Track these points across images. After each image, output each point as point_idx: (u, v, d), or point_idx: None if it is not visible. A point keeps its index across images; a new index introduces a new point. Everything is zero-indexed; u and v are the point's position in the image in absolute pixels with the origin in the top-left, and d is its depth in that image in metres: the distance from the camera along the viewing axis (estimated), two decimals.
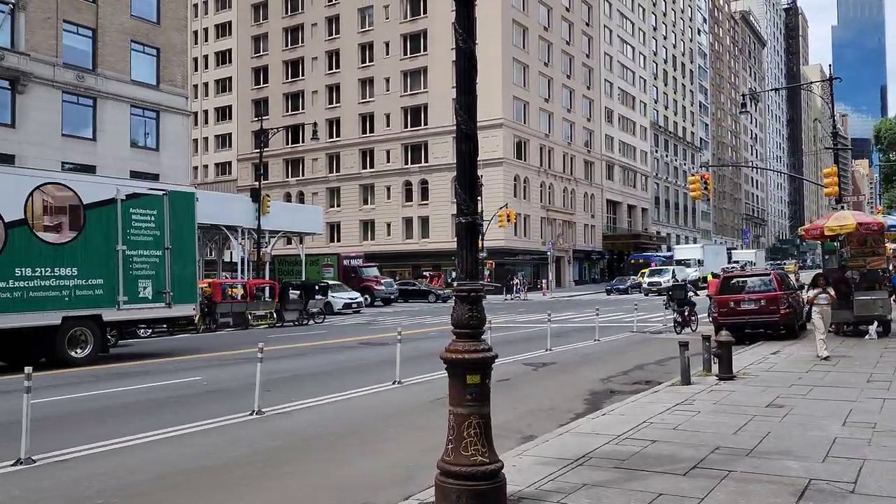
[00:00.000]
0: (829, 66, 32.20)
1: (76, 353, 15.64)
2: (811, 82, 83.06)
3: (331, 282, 37.55)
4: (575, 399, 10.67)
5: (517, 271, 60.54)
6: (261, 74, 72.95)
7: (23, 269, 14.67)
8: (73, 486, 6.35)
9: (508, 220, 49.56)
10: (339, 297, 36.59)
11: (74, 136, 32.93)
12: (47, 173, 16.62)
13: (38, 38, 31.55)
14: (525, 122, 62.31)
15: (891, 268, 23.75)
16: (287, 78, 70.81)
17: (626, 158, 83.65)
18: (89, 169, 32.22)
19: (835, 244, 18.97)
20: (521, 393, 11.32)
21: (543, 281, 58.93)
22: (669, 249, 78.71)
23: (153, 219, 17.04)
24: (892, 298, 19.09)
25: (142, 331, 23.18)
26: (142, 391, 11.85)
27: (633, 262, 67.13)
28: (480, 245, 48.76)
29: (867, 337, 16.62)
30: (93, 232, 15.81)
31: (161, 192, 17.44)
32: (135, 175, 33.68)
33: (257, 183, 37.33)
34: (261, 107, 70.51)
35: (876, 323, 16.88)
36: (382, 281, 46.66)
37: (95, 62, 33.77)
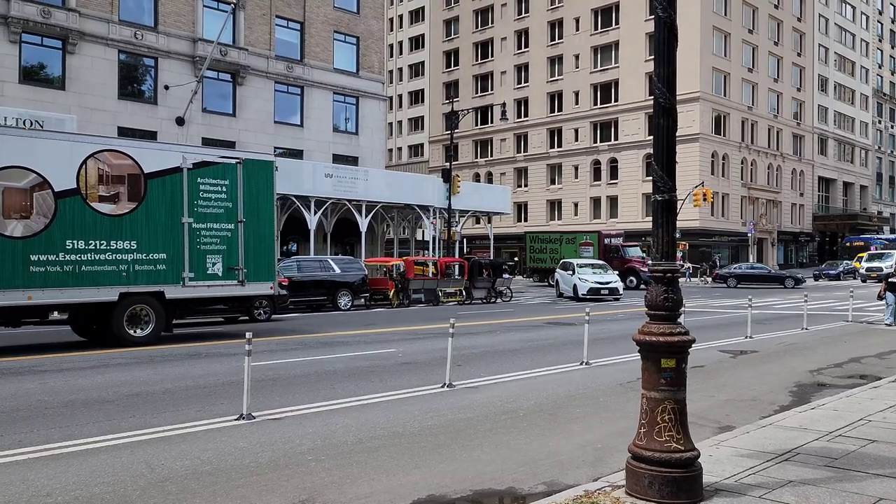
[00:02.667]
0: None
1: (136, 332, 14.84)
2: None
3: (579, 261, 34.02)
4: (778, 391, 9.94)
5: (713, 253, 57.29)
6: (451, 57, 74.79)
7: (75, 242, 13.80)
8: (287, 442, 7.02)
9: (704, 200, 46.90)
10: (586, 280, 30.63)
11: (285, 123, 35.96)
12: (104, 139, 15.56)
13: (255, 34, 34.72)
14: (725, 95, 58.45)
15: None
16: (477, 60, 71.99)
17: (842, 131, 75.65)
18: (296, 154, 35.15)
19: None
20: (718, 381, 10.75)
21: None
22: (893, 231, 70.30)
23: (225, 189, 15.79)
24: None
25: (342, 302, 24.91)
26: (343, 360, 12.77)
27: (847, 245, 60.94)
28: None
29: None
30: (155, 203, 14.81)
31: (234, 161, 16.09)
32: (337, 158, 36.24)
33: (448, 164, 38.45)
34: (451, 89, 72.39)
35: None
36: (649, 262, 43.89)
37: (303, 53, 36.55)
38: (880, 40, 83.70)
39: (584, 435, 7.46)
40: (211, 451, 6.64)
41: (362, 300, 26.98)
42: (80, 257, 13.87)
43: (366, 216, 33.11)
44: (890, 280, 18.51)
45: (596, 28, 62.18)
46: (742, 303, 25.04)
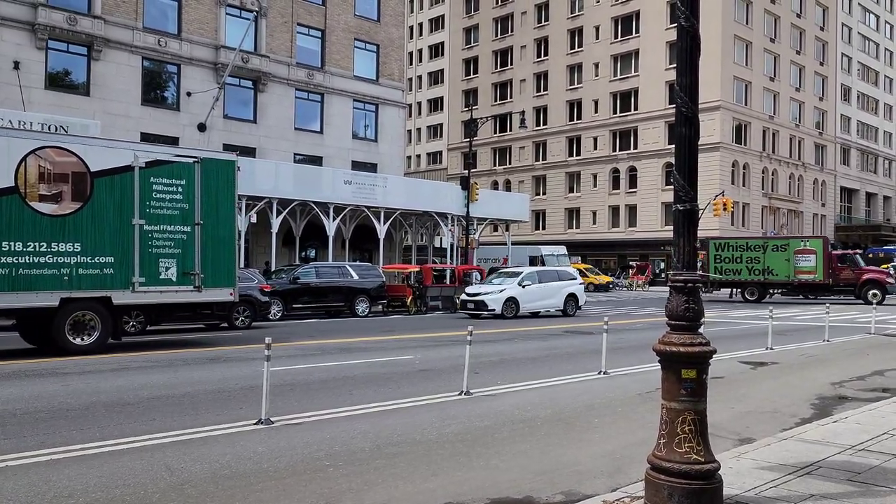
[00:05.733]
0: None
1: (80, 339, 13.96)
2: None
3: (522, 269, 31.37)
4: (800, 403, 9.82)
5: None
6: (471, 65, 74.98)
7: (11, 244, 12.99)
8: (305, 447, 7.05)
9: (725, 209, 46.52)
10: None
11: (305, 130, 36.24)
12: (47, 136, 14.81)
13: (277, 41, 35.06)
14: (746, 104, 58.06)
15: None
16: (496, 67, 72.11)
17: (865, 141, 74.84)
18: (316, 160, 35.39)
19: None
20: (738, 392, 10.64)
21: None
22: None
23: (181, 190, 14.91)
24: None
25: (360, 308, 25.01)
26: (361, 366, 12.81)
27: (870, 256, 60.12)
28: None
29: None
30: (102, 203, 13.94)
31: (191, 160, 15.18)
32: (356, 165, 36.44)
33: (466, 171, 38.52)
34: (470, 97, 72.56)
35: None
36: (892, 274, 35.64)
37: (323, 60, 36.84)
38: None
39: (603, 445, 7.42)
40: (230, 456, 6.69)
41: (380, 307, 27.06)
42: (16, 260, 13.06)
43: (384, 223, 33.23)
44: None
45: (616, 36, 62.07)
46: (763, 314, 24.82)
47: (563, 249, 45.23)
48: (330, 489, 5.78)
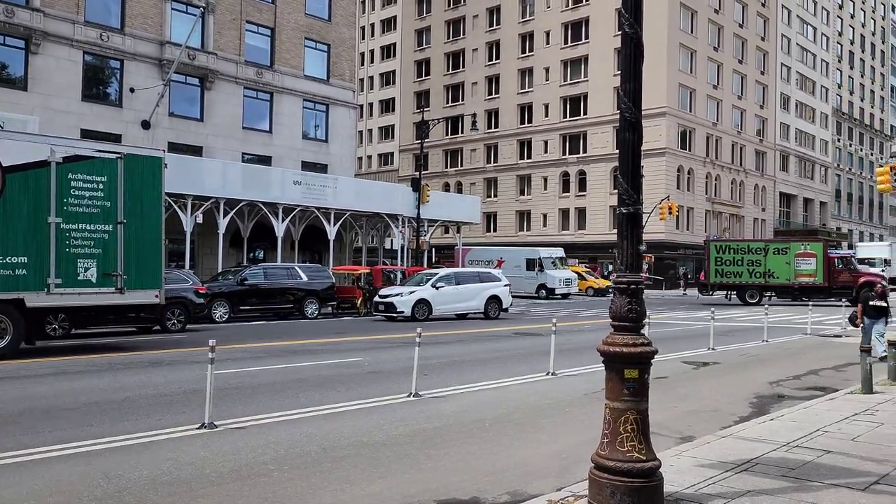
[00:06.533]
0: None
1: None
2: None
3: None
4: (739, 402, 10.11)
5: (678, 266, 58.13)
6: (423, 67, 75.00)
7: None
8: (250, 451, 6.94)
9: (670, 213, 47.63)
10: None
11: (253, 129, 35.67)
12: None
13: (225, 39, 34.44)
14: (691, 111, 59.50)
15: None
16: (448, 70, 72.30)
17: (803, 148, 77.50)
18: (265, 160, 34.89)
19: None
20: (681, 392, 10.90)
21: (702, 277, 56.01)
22: (851, 247, 72.07)
23: (102, 187, 14.18)
24: None
25: (309, 310, 24.77)
26: (310, 369, 12.67)
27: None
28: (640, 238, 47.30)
29: None
30: (15, 200, 13.19)
31: (114, 155, 14.45)
32: (306, 166, 36.07)
33: (418, 173, 38.50)
34: (422, 99, 72.56)
35: None
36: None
37: (273, 59, 36.34)
38: (839, 61, 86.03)
39: (550, 445, 7.50)
40: (171, 461, 6.53)
41: (330, 308, 26.83)
42: None
43: (334, 224, 32.95)
44: (871, 303, 14.67)
45: (566, 42, 62.91)
46: (706, 315, 25.46)
47: (560, 252, 44.82)
48: (274, 493, 5.70)
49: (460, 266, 42.23)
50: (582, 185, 61.15)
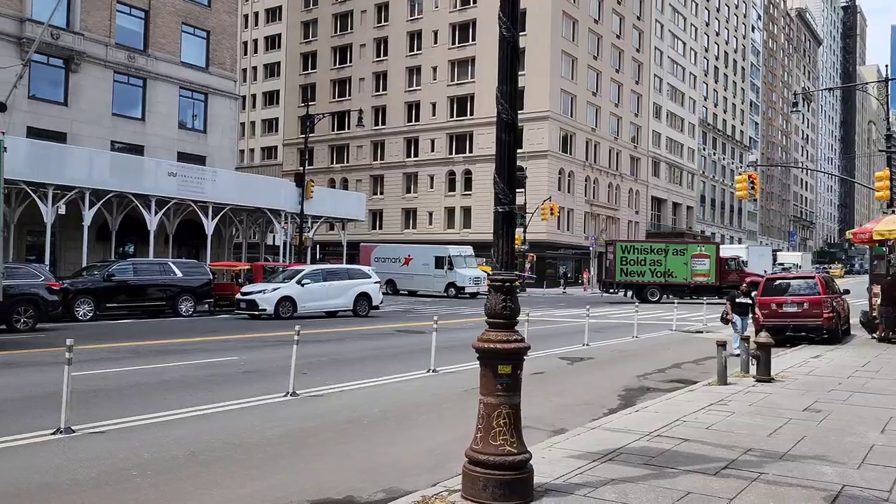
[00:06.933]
0: (886, 66, 31.21)
1: None
2: (867, 83, 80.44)
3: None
4: (609, 395, 10.58)
5: (559, 265, 60.22)
6: (309, 60, 73.60)
7: None
8: (110, 457, 6.54)
9: (552, 214, 49.23)
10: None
11: (124, 116, 33.68)
12: None
13: (94, 19, 32.32)
14: (572, 116, 61.75)
15: None
16: (335, 64, 71.33)
17: (672, 155, 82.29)
18: (137, 150, 33.08)
19: (883, 249, 18.39)
20: (556, 387, 11.27)
21: (584, 276, 58.46)
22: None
23: None
24: None
25: (182, 308, 23.74)
26: (180, 369, 12.13)
27: None
28: (522, 238, 48.73)
29: None
30: None
31: None
32: (182, 157, 34.49)
33: (302, 168, 37.75)
34: (308, 92, 71.20)
35: None
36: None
37: (147, 43, 34.47)
38: (706, 75, 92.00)
39: (428, 441, 7.55)
40: (23, 469, 6.06)
41: (206, 306, 25.81)
42: None
43: (212, 218, 31.70)
44: (738, 301, 15.36)
45: (454, 42, 63.64)
46: (582, 312, 26.52)
47: (469, 250, 44.64)
48: (136, 500, 5.40)
49: (370, 264, 42.12)
50: (468, 184, 62.09)
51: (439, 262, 41.48)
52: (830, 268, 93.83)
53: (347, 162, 70.11)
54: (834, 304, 17.70)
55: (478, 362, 5.19)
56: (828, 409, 8.74)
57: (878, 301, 18.13)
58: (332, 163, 71.04)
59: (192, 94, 36.38)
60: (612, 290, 39.94)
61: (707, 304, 28.54)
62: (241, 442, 7.24)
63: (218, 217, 32.25)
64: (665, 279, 37.91)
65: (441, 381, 11.45)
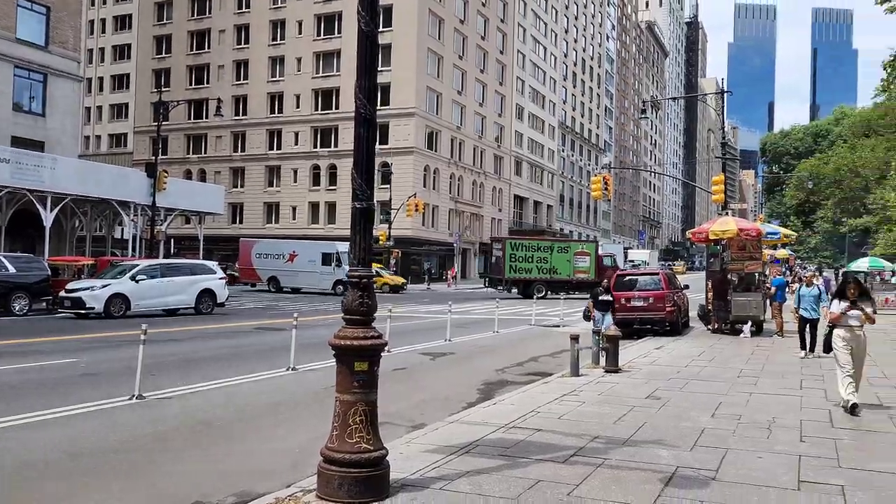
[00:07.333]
0: (723, 80, 34.10)
1: None
2: (706, 94, 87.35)
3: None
4: (469, 389, 10.81)
5: (423, 261, 60.80)
6: (164, 43, 69.64)
7: None
8: None
9: (417, 210, 49.61)
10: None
11: None
12: None
13: None
14: (437, 113, 62.48)
15: (767, 272, 25.33)
16: (192, 49, 67.97)
17: (534, 155, 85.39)
18: None
19: (718, 248, 20.04)
20: (417, 382, 11.37)
21: (449, 272, 59.41)
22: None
23: None
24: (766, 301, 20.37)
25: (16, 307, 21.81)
26: (9, 373, 11.12)
27: None
28: (387, 234, 48.77)
29: (742, 335, 17.70)
30: None
31: None
32: (17, 142, 31.56)
33: (154, 157, 35.72)
34: (162, 78, 67.35)
35: (750, 323, 18.00)
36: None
37: None
38: (565, 80, 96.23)
39: (286, 441, 7.38)
40: None
41: (44, 304, 23.79)
42: None
43: (52, 209, 29.28)
44: (601, 298, 15.44)
45: (319, 34, 62.52)
46: (445, 308, 26.97)
47: None
48: None
49: (251, 261, 40.49)
50: (333, 179, 61.25)
51: (327, 258, 40.38)
52: (674, 265, 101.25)
53: (205, 153, 67.09)
54: (675, 298, 19.09)
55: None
56: (667, 397, 9.40)
57: (712, 296, 19.74)
58: (188, 153, 67.72)
59: (30, 73, 33.37)
60: (500, 287, 40.81)
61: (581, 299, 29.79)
62: (78, 451, 6.73)
63: (58, 208, 29.85)
64: (550, 276, 39.43)
65: (301, 380, 11.24)
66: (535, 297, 32.83)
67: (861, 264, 38.62)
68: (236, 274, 44.13)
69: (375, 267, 44.13)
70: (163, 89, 48.08)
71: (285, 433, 7.77)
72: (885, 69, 16.76)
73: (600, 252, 41.09)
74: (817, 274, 35.31)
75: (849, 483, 5.60)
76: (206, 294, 23.80)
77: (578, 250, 40.28)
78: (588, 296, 32.02)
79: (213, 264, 25.97)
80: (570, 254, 39.87)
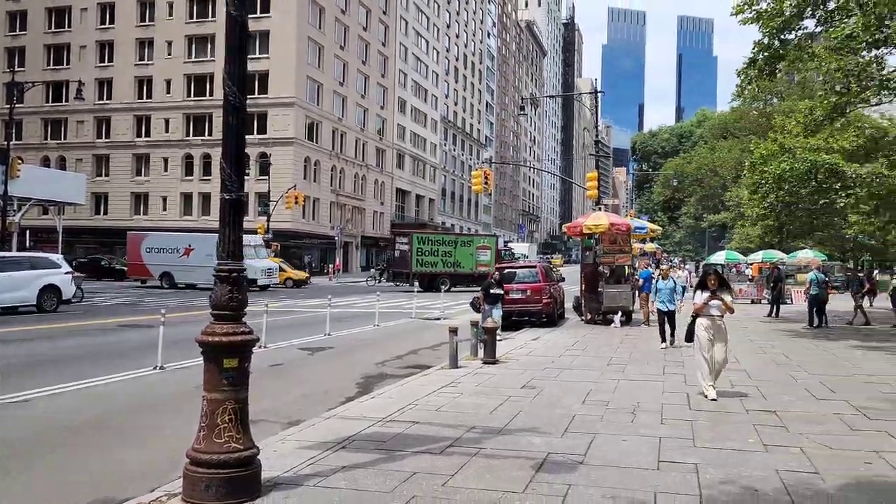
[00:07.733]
0: (597, 80, 35.62)
1: None
2: (581, 93, 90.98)
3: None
4: (349, 383, 10.71)
5: (304, 255, 59.64)
6: (17, 20, 64.27)
7: None
8: None
9: (297, 203, 48.56)
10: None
11: None
12: None
13: None
14: (318, 104, 61.39)
15: (636, 265, 26.76)
16: (50, 27, 63.14)
17: (416, 149, 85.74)
18: None
19: (591, 241, 20.93)
20: (295, 378, 11.14)
21: (330, 266, 58.63)
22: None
23: None
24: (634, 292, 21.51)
25: None
26: None
27: None
28: (266, 227, 47.40)
29: (612, 325, 18.60)
30: None
31: None
32: None
33: (6, 142, 32.93)
34: (16, 57, 62.14)
35: (620, 313, 18.95)
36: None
37: None
38: (447, 74, 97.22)
39: (155, 444, 7.04)
40: None
41: None
42: None
43: None
44: (491, 291, 15.51)
45: (191, 17, 59.71)
46: (324, 302, 26.61)
47: (259, 239, 40.46)
48: None
49: (141, 256, 38.02)
50: (207, 168, 58.79)
51: None
52: (552, 257, 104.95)
53: (65, 139, 62.61)
54: (552, 291, 19.78)
55: None
56: (541, 386, 9.72)
57: (585, 288, 20.61)
58: (46, 139, 62.94)
59: None
60: (398, 282, 41.09)
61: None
62: None
63: None
64: (454, 269, 40.27)
65: (171, 379, 10.74)
66: (442, 290, 33.31)
67: (719, 257, 41.59)
68: (124, 269, 41.94)
69: (277, 262, 42.99)
70: (16, 69, 44.37)
71: (154, 435, 7.40)
72: (738, 76, 18.05)
73: (500, 246, 42.30)
74: (678, 266, 37.60)
75: (702, 462, 6.01)
76: (50, 290, 21.79)
77: (480, 244, 41.80)
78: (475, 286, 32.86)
79: (57, 258, 23.81)
80: (473, 248, 41.17)
